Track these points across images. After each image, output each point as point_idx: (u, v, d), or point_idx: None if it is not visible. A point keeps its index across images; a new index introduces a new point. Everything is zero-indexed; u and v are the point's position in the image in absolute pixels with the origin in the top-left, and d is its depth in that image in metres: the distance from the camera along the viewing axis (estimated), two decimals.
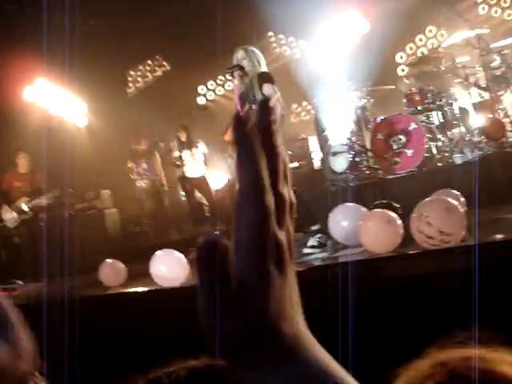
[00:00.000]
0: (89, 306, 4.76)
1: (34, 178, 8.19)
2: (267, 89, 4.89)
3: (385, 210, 4.21)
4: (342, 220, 4.52)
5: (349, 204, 4.72)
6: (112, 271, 5.72)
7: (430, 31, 9.21)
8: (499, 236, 3.64)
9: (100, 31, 9.90)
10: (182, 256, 4.87)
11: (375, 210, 4.36)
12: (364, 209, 4.53)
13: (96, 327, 4.27)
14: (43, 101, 9.87)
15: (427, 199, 3.81)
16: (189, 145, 8.69)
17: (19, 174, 8.32)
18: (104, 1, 9.30)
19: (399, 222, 3.91)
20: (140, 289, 5.12)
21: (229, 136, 7.61)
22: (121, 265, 5.76)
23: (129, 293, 5.18)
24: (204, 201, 9.20)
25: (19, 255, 8.64)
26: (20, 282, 7.65)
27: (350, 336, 2.92)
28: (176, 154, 8.67)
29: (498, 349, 0.79)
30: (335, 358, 0.60)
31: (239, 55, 5.15)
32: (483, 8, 8.74)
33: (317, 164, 8.94)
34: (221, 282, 0.56)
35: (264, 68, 5.18)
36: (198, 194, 9.36)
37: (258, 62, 5.15)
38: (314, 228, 4.98)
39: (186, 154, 8.67)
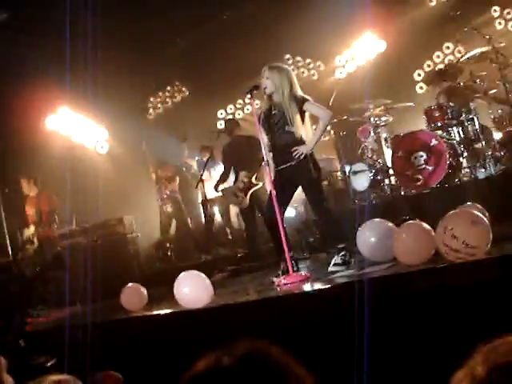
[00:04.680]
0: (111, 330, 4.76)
1: (40, 202, 8.03)
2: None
3: (418, 222, 4.16)
4: (371, 236, 4.45)
5: (376, 220, 4.64)
6: (133, 295, 5.70)
7: (448, 48, 9.19)
8: None
9: (119, 60, 10.02)
10: (205, 277, 4.83)
11: (408, 222, 4.34)
12: (391, 224, 4.47)
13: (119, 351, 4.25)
14: (65, 129, 9.98)
15: (452, 212, 3.75)
16: (210, 165, 8.74)
17: (29, 199, 8.23)
18: (124, 30, 9.45)
19: (433, 233, 3.84)
20: (162, 311, 5.08)
21: None
22: (142, 289, 5.74)
23: (151, 315, 5.14)
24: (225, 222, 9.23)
25: (45, 282, 8.66)
26: (43, 309, 7.67)
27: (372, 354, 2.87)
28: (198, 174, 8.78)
29: None
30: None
31: (265, 73, 5.06)
32: (499, 23, 8.72)
33: (339, 184, 8.89)
34: None
35: (286, 88, 5.01)
36: (218, 218, 9.37)
37: (281, 83, 4.99)
38: (340, 246, 4.92)
39: (205, 175, 8.73)
